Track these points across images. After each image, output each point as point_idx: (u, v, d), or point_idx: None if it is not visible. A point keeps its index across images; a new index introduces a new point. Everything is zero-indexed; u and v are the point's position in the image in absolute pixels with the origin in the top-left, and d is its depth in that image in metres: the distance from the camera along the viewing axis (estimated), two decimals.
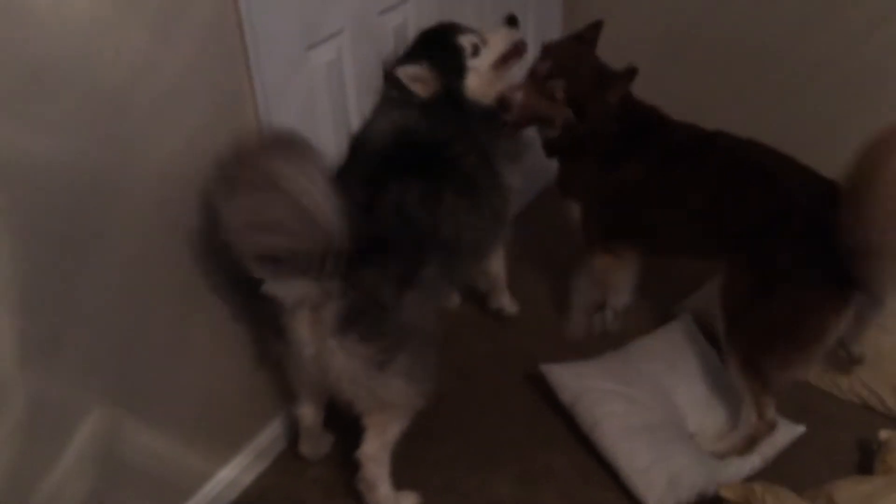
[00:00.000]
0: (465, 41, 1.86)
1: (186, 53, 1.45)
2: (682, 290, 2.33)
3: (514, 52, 1.91)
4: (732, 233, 1.80)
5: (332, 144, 1.83)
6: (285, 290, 1.47)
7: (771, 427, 1.79)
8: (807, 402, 1.99)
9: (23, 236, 1.26)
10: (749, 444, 1.81)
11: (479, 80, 1.86)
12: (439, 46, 1.86)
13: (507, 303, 2.35)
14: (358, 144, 1.81)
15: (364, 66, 1.88)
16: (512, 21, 1.96)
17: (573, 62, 1.90)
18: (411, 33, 2.00)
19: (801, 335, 1.67)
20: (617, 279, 2.09)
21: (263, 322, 1.65)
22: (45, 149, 1.25)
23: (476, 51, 1.86)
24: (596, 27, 1.97)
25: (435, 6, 2.08)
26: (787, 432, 1.86)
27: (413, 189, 1.66)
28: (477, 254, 1.96)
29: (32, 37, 1.19)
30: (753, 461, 1.80)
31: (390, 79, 1.81)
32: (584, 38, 1.98)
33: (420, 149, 1.75)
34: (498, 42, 1.90)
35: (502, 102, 1.88)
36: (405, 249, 1.60)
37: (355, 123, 1.91)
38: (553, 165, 2.13)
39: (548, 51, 1.94)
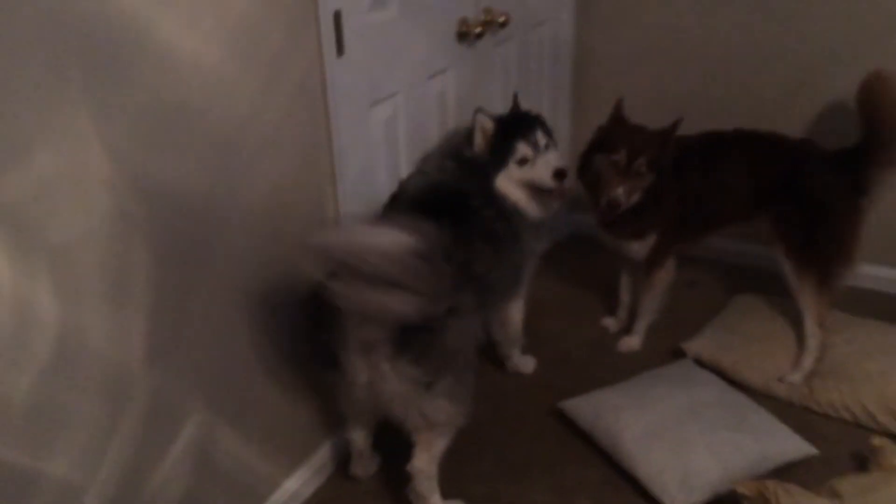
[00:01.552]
0: (523, 148, 2.07)
1: (283, 106, 1.71)
2: (684, 333, 2.61)
3: (558, 192, 2.11)
4: (772, 191, 2.35)
5: (385, 191, 2.06)
6: (365, 330, 1.67)
7: (825, 331, 2.37)
8: (807, 423, 2.22)
9: (156, 249, 1.47)
10: (819, 352, 2.36)
11: (507, 182, 2.09)
12: (516, 128, 2.11)
13: (521, 363, 2.55)
14: (398, 192, 2.05)
15: (411, 123, 2.17)
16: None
17: (635, 139, 2.28)
18: (450, 99, 2.31)
19: (851, 237, 2.28)
20: (667, 284, 2.58)
21: (320, 355, 1.81)
22: (173, 174, 1.48)
23: (523, 162, 2.07)
24: (619, 105, 2.34)
25: (468, 77, 2.39)
26: (800, 448, 2.06)
27: (448, 231, 1.81)
28: (503, 294, 2.18)
29: (174, 82, 1.44)
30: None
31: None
32: (621, 117, 2.35)
33: (448, 198, 1.97)
34: (540, 168, 2.08)
35: (611, 205, 2.26)
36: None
37: (404, 173, 2.17)
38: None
39: (613, 141, 2.29)
